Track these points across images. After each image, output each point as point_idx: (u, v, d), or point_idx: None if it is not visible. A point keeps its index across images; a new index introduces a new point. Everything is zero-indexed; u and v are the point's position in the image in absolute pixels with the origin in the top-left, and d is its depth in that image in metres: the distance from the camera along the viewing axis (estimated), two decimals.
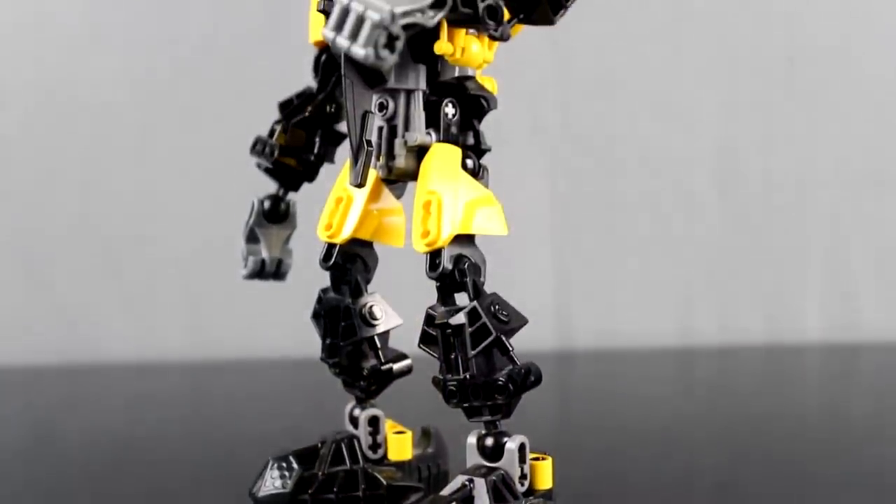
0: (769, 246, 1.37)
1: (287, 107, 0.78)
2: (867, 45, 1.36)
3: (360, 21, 0.54)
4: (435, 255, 0.64)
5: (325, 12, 0.66)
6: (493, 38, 0.62)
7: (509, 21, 0.62)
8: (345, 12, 0.55)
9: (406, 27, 0.55)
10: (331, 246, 0.71)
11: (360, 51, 0.54)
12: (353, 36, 0.54)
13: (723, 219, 1.36)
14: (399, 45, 0.54)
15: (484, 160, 0.68)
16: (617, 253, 1.36)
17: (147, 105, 1.32)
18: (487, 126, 0.69)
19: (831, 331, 1.37)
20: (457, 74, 0.68)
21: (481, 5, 0.59)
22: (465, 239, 0.65)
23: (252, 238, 0.79)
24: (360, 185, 0.65)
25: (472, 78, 0.68)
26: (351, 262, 0.72)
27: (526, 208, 1.34)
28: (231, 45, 1.31)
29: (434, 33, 0.61)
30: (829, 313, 1.37)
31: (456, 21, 0.60)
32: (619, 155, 1.35)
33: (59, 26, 1.32)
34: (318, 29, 0.74)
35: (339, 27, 0.55)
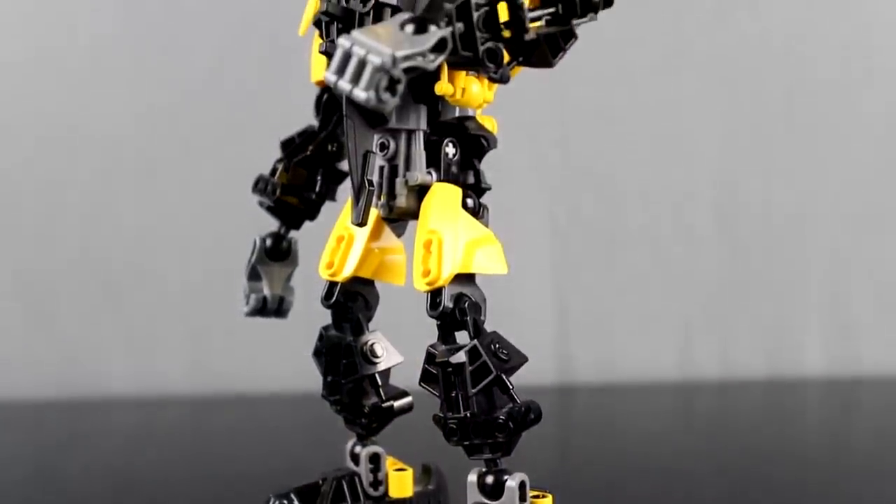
0: (769, 280, 1.37)
1: (289, 145, 0.79)
2: (866, 80, 1.36)
3: (362, 65, 0.55)
4: (436, 294, 0.64)
5: (327, 53, 0.67)
6: (492, 80, 0.63)
7: (509, 63, 0.62)
8: (347, 56, 0.56)
9: (407, 70, 0.55)
10: (332, 284, 0.71)
11: (361, 94, 0.54)
12: (355, 79, 0.55)
13: (723, 253, 1.37)
14: (400, 88, 0.55)
15: (484, 198, 0.69)
16: (617, 287, 1.36)
17: (149, 141, 1.33)
18: (488, 161, 0.70)
19: (832, 365, 1.38)
20: (457, 114, 0.68)
21: (481, 48, 0.60)
22: (466, 278, 0.65)
23: (254, 276, 0.80)
24: (362, 224, 0.65)
25: (472, 118, 0.69)
26: (352, 301, 0.72)
27: (526, 242, 1.35)
28: (233, 82, 1.32)
29: (435, 74, 0.62)
30: (829, 347, 1.38)
31: (456, 63, 0.61)
32: (619, 189, 1.35)
33: (62, 62, 1.33)
34: (320, 69, 0.75)
35: (341, 70, 0.56)
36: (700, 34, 1.35)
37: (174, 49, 1.32)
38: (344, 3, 0.66)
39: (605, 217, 1.35)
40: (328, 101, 0.77)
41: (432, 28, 0.57)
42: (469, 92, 0.66)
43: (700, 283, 1.37)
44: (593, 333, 1.36)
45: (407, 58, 0.55)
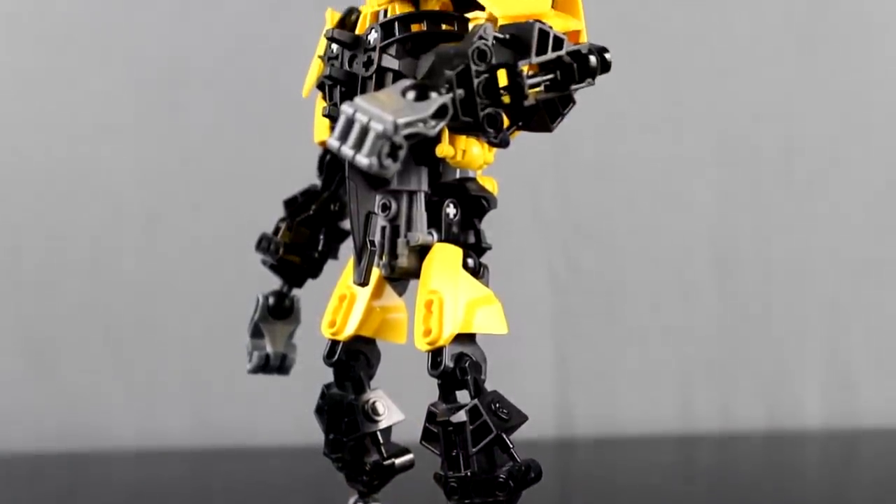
0: (768, 333, 1.38)
1: (292, 204, 0.80)
2: (861, 135, 1.38)
3: (365, 131, 0.56)
4: (436, 354, 0.65)
5: (330, 116, 0.69)
6: (492, 144, 0.64)
7: (508, 128, 0.63)
8: (350, 122, 0.57)
9: (409, 137, 0.56)
10: (335, 343, 0.72)
11: (364, 160, 0.56)
12: (358, 145, 0.56)
13: (722, 306, 1.38)
14: (402, 154, 0.56)
15: (485, 255, 0.70)
16: (617, 340, 1.37)
17: (153, 195, 1.34)
18: (489, 216, 0.71)
19: (831, 417, 1.38)
20: (458, 176, 0.70)
21: (482, 114, 0.61)
22: (466, 337, 0.66)
23: (257, 333, 0.81)
24: (364, 284, 0.67)
25: (472, 179, 0.70)
26: (354, 359, 0.73)
27: (527, 295, 1.35)
28: (237, 140, 1.33)
29: (436, 137, 0.63)
30: (829, 400, 1.38)
31: (457, 128, 0.62)
32: (618, 243, 1.36)
33: (66, 116, 1.34)
34: (323, 130, 0.76)
35: (344, 136, 0.57)
36: (697, 92, 1.37)
37: (178, 105, 1.34)
38: (347, 67, 0.68)
39: (604, 271, 1.36)
40: (331, 161, 0.79)
41: (433, 94, 0.59)
42: (469, 154, 0.68)
43: (699, 337, 1.37)
44: (593, 387, 1.37)
45: (408, 124, 0.56)
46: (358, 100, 0.58)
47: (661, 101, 1.37)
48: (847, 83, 1.38)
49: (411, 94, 0.58)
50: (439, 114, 0.58)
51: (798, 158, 1.38)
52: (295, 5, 1.31)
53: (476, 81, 0.60)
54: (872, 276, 1.39)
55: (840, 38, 1.38)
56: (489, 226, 0.71)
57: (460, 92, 0.60)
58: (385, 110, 0.56)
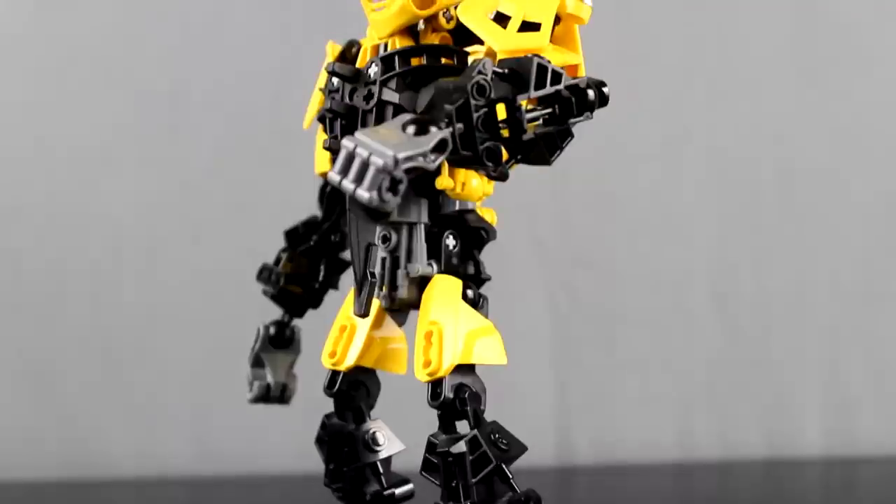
0: (768, 360, 1.38)
1: (293, 235, 0.81)
2: (860, 163, 1.39)
3: (365, 166, 0.57)
4: (436, 385, 0.66)
5: (331, 149, 0.69)
6: (491, 178, 0.64)
7: (507, 162, 0.64)
8: (350, 157, 0.57)
9: (409, 171, 0.57)
10: (335, 373, 0.73)
11: (364, 194, 0.56)
12: (359, 179, 0.57)
13: (721, 334, 1.38)
14: (402, 188, 0.57)
15: (485, 285, 0.71)
16: (617, 368, 1.37)
17: (154, 223, 1.34)
18: (488, 246, 0.72)
19: (831, 444, 1.38)
20: (457, 207, 0.70)
21: (481, 148, 0.61)
22: (466, 368, 0.66)
23: (258, 363, 0.82)
24: (364, 315, 0.67)
25: (472, 210, 0.71)
26: (354, 389, 0.73)
27: (526, 323, 1.36)
28: (238, 169, 1.34)
29: (436, 169, 0.64)
30: (828, 427, 1.38)
31: (456, 161, 0.63)
32: (618, 271, 1.37)
33: (69, 144, 1.34)
34: (323, 161, 0.77)
35: (345, 170, 0.58)
36: (695, 121, 1.37)
37: (179, 134, 1.34)
38: (347, 100, 0.68)
39: (604, 299, 1.37)
40: (331, 192, 0.79)
41: (433, 129, 0.59)
42: (469, 186, 0.69)
43: (699, 365, 1.38)
44: (593, 414, 1.37)
45: (408, 158, 0.57)
46: (358, 134, 0.58)
47: (658, 130, 1.37)
48: (846, 111, 1.38)
49: (411, 129, 0.59)
50: (439, 148, 0.59)
51: (797, 186, 1.38)
52: (296, 36, 1.32)
53: (475, 116, 0.61)
54: (871, 303, 1.39)
55: (838, 64, 1.39)
56: (488, 256, 0.72)
57: (460, 126, 0.61)
58: (385, 145, 0.57)
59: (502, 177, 0.64)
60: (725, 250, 1.38)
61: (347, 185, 0.57)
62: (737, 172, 1.38)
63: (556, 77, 0.64)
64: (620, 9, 1.34)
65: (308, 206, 0.84)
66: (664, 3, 1.37)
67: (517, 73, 0.63)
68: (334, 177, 0.58)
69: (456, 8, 0.68)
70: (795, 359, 1.38)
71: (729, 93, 1.38)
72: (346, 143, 0.58)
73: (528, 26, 0.66)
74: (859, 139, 1.39)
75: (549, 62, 0.64)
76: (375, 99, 0.67)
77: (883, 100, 1.39)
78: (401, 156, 0.57)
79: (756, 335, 1.38)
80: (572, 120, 0.65)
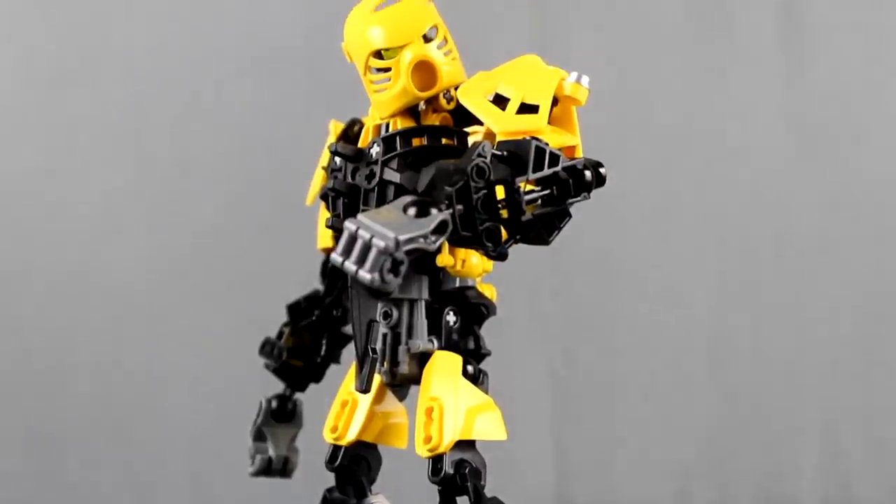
0: (765, 426, 1.38)
1: (295, 309, 0.82)
2: (853, 230, 1.40)
3: (367, 247, 0.58)
4: (437, 460, 0.67)
5: (333, 227, 0.70)
6: (490, 257, 0.66)
7: (506, 242, 0.65)
8: (353, 239, 0.59)
9: (409, 252, 0.58)
10: (336, 448, 0.73)
11: (366, 275, 0.57)
12: (361, 261, 0.58)
13: (719, 399, 1.38)
14: (403, 269, 0.58)
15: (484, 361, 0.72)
16: (616, 434, 1.37)
17: (158, 295, 1.35)
18: (488, 321, 0.73)
19: None
20: (458, 284, 0.71)
21: (480, 228, 0.63)
22: (467, 444, 0.67)
23: (259, 437, 0.82)
24: (365, 391, 0.68)
25: (472, 287, 0.72)
26: (356, 464, 0.73)
27: (526, 389, 1.36)
28: (241, 241, 1.35)
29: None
30: (826, 493, 1.38)
31: (456, 241, 0.64)
32: (616, 339, 1.38)
33: (74, 212, 1.35)
34: (326, 237, 0.79)
35: (347, 252, 0.59)
36: (692, 188, 1.39)
37: (184, 206, 1.35)
38: (350, 179, 0.70)
39: (602, 366, 1.37)
40: (333, 267, 0.80)
41: (433, 210, 0.61)
42: (469, 263, 0.70)
43: (697, 430, 1.38)
44: (593, 480, 1.37)
45: (410, 240, 0.58)
46: (361, 216, 0.60)
47: (655, 197, 1.38)
48: (841, 178, 1.39)
49: (412, 211, 0.60)
50: (439, 229, 0.60)
51: (793, 252, 1.39)
52: (300, 110, 1.34)
53: (475, 197, 0.62)
54: (868, 369, 1.39)
55: (834, 132, 1.40)
56: (489, 329, 0.73)
57: (460, 207, 0.62)
58: (387, 227, 0.58)
59: (501, 257, 0.65)
60: (723, 316, 1.39)
61: (350, 266, 0.58)
62: (733, 239, 1.39)
63: (554, 159, 0.65)
64: (619, 76, 1.36)
65: (310, 280, 0.85)
66: (661, 72, 1.39)
67: (516, 156, 0.64)
68: (337, 258, 0.59)
69: (456, 89, 0.70)
70: (793, 424, 1.38)
71: (725, 160, 1.39)
72: (349, 225, 0.59)
73: (527, 108, 0.67)
74: (855, 206, 1.40)
75: (546, 144, 0.65)
76: (377, 178, 0.68)
77: (878, 167, 1.41)
78: (402, 238, 0.58)
79: (754, 400, 1.38)
80: (570, 200, 0.66)
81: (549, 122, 0.67)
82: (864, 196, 1.40)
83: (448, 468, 0.66)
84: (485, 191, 0.63)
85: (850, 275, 1.40)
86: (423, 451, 0.67)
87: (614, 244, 1.38)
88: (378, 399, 0.72)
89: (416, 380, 0.70)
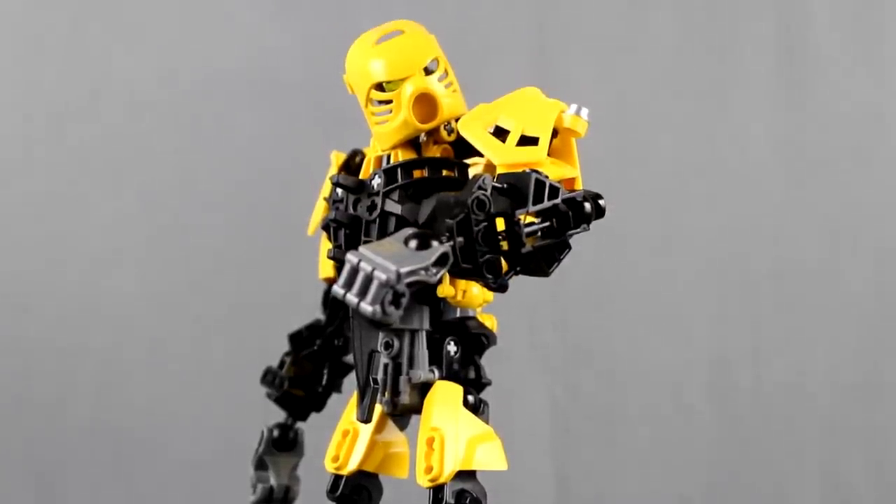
0: (766, 455, 1.38)
1: (297, 339, 0.82)
2: (851, 259, 1.40)
3: (369, 280, 0.59)
4: (438, 491, 0.67)
5: (335, 258, 0.71)
6: (491, 289, 0.66)
7: (506, 273, 0.66)
8: (354, 271, 0.59)
9: (411, 284, 0.59)
10: (338, 477, 0.73)
11: (368, 308, 0.58)
12: (362, 293, 0.59)
13: (720, 429, 1.38)
14: (404, 301, 0.58)
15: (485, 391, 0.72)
16: (617, 464, 1.37)
17: (160, 324, 1.35)
18: (489, 351, 0.73)
19: None
20: (458, 314, 0.72)
21: (481, 261, 0.63)
22: (467, 474, 0.67)
23: (261, 465, 0.82)
24: (367, 421, 0.69)
25: (472, 317, 0.72)
26: (357, 493, 0.74)
27: (526, 420, 1.36)
28: (243, 270, 1.35)
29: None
30: None
31: (457, 273, 0.65)
32: (617, 369, 1.38)
33: (76, 241, 1.36)
34: (327, 267, 0.79)
35: (349, 284, 0.59)
36: (691, 219, 1.39)
37: (186, 235, 1.36)
38: (351, 210, 0.70)
39: (603, 395, 1.37)
40: (335, 297, 0.81)
41: (434, 243, 0.61)
42: (469, 294, 0.71)
43: (698, 460, 1.38)
44: None
45: (411, 273, 0.59)
46: (362, 249, 0.60)
47: (656, 227, 1.39)
48: (838, 208, 1.40)
49: (413, 243, 0.61)
50: (440, 262, 0.61)
51: (792, 282, 1.39)
52: (302, 140, 1.34)
53: (475, 230, 0.63)
54: (869, 396, 1.40)
55: (831, 162, 1.41)
56: (489, 359, 0.73)
57: (460, 240, 0.63)
58: (388, 259, 0.59)
59: (502, 288, 0.66)
60: (723, 346, 1.39)
61: (351, 298, 0.59)
62: (733, 267, 1.40)
63: (554, 191, 0.65)
64: (619, 108, 1.37)
65: (312, 309, 0.86)
66: (661, 104, 1.40)
67: (516, 188, 0.65)
68: (338, 290, 0.60)
69: (457, 121, 0.70)
70: (794, 453, 1.38)
71: (725, 189, 1.40)
72: (350, 257, 0.60)
73: (527, 140, 0.68)
74: (855, 232, 1.41)
75: (546, 177, 0.66)
76: (378, 210, 0.69)
77: (877, 194, 1.41)
78: (403, 270, 0.58)
79: (755, 430, 1.39)
80: (570, 232, 0.66)
81: (549, 154, 0.68)
82: (864, 222, 1.41)
83: (449, 498, 0.67)
84: (485, 223, 0.63)
85: (850, 302, 1.40)
86: (423, 481, 0.67)
87: (614, 274, 1.38)
88: (379, 428, 0.73)
89: (417, 410, 0.70)
